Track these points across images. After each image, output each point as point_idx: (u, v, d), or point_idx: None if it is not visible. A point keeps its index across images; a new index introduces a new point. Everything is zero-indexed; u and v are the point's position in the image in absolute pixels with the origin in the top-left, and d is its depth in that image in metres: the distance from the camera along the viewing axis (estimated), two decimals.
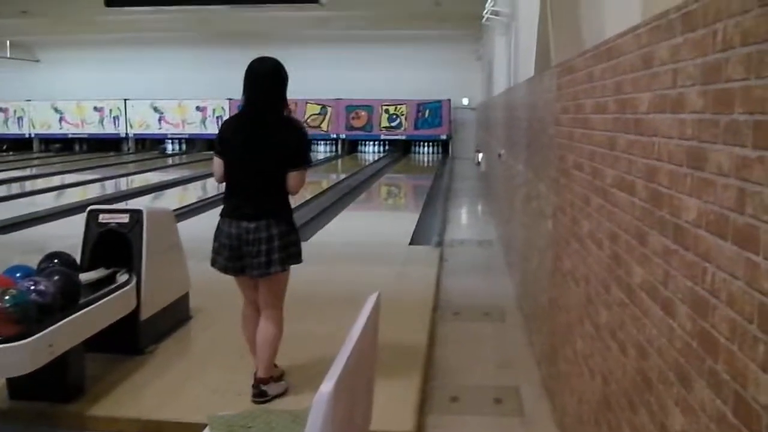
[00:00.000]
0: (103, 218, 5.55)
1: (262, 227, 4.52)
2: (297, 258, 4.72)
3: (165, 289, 5.85)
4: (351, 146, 30.55)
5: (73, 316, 4.42)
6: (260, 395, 4.64)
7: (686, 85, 2.19)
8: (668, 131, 2.36)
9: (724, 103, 1.89)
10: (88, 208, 5.66)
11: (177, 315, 6.11)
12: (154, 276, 5.52)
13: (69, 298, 4.54)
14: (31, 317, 4.10)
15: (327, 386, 1.91)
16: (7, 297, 4.04)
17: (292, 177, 4.57)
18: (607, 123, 3.28)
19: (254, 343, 4.79)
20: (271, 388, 4.69)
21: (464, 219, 14.17)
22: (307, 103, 29.37)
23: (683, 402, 2.16)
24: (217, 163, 4.72)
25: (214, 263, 4.72)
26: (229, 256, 4.60)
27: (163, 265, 5.77)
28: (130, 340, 5.37)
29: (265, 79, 4.61)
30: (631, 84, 2.85)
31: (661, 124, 2.44)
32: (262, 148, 4.56)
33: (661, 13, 2.47)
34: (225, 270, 4.68)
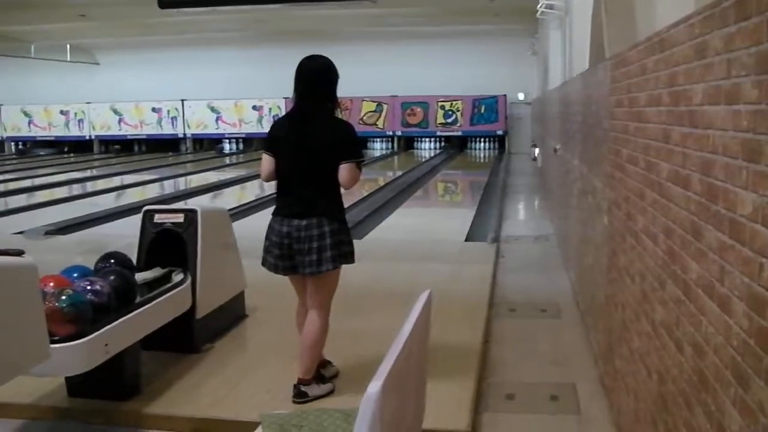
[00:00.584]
0: (158, 218, 5.60)
1: (314, 225, 4.50)
2: (349, 257, 4.68)
3: (220, 288, 5.89)
4: (407, 143, 30.58)
5: (129, 315, 4.47)
6: (299, 395, 4.62)
7: (740, 76, 2.12)
8: (723, 123, 2.29)
9: None
10: (144, 209, 5.72)
11: (232, 314, 6.15)
12: (209, 275, 5.55)
13: (125, 297, 4.59)
14: (87, 317, 4.15)
15: (375, 386, 1.89)
16: (63, 297, 4.09)
17: (344, 169, 4.51)
18: (661, 116, 3.21)
19: None
20: (312, 389, 4.66)
21: (521, 215, 14.08)
22: (362, 100, 29.42)
23: (741, 402, 2.09)
24: (267, 161, 4.71)
25: (264, 263, 4.72)
26: (280, 254, 4.60)
27: (218, 264, 5.81)
28: (186, 338, 5.41)
29: (315, 77, 4.60)
30: (685, 75, 2.78)
31: (715, 116, 2.38)
32: (312, 146, 4.54)
33: (714, 1, 2.40)
34: (275, 269, 4.67)
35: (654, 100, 3.37)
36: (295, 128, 4.63)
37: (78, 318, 4.08)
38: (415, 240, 10.64)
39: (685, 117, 2.76)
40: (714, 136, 2.39)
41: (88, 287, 4.34)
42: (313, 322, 4.68)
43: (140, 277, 5.19)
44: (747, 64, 2.07)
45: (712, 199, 2.40)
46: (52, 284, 4.26)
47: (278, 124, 4.90)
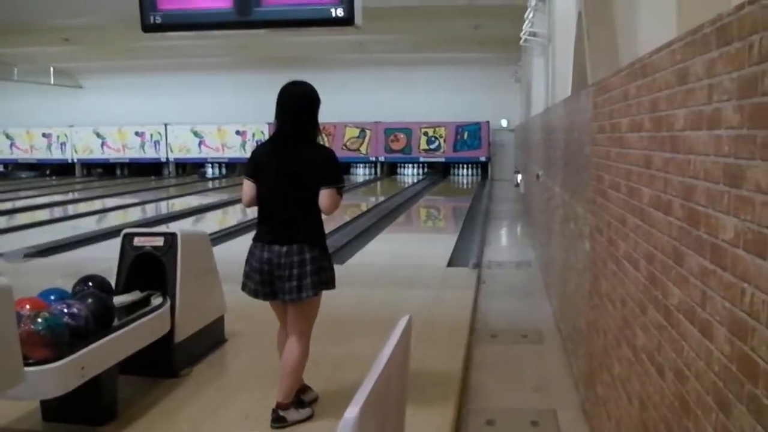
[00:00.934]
0: (138, 241, 5.55)
1: (294, 251, 4.48)
2: (330, 284, 4.66)
3: (199, 312, 5.83)
4: (390, 169, 30.59)
5: (106, 339, 4.41)
6: (278, 420, 4.59)
7: (722, 100, 2.12)
8: (704, 148, 2.29)
9: (760, 118, 1.82)
10: (123, 232, 5.67)
11: (212, 338, 6.09)
12: (188, 299, 5.51)
13: (102, 321, 4.54)
14: (64, 340, 4.09)
15: (351, 412, 1.86)
16: (39, 320, 4.03)
17: (324, 195, 4.49)
18: (642, 141, 3.21)
19: None
20: (291, 414, 4.62)
21: (503, 241, 14.07)
22: (346, 126, 29.46)
23: (722, 428, 2.07)
24: (248, 187, 4.67)
25: (244, 288, 4.69)
26: (260, 280, 4.57)
27: (198, 288, 5.76)
28: (164, 363, 5.35)
29: (296, 103, 4.59)
30: (666, 101, 2.78)
31: (696, 141, 2.37)
32: (294, 172, 4.53)
33: (696, 27, 2.40)
34: (255, 295, 4.64)
35: (636, 126, 3.37)
36: (277, 154, 4.61)
37: (54, 341, 4.02)
38: (397, 265, 10.60)
39: (667, 142, 2.76)
40: (695, 161, 2.38)
41: (65, 310, 4.29)
42: (293, 347, 4.64)
43: (118, 300, 5.14)
44: (729, 89, 2.06)
45: (693, 224, 2.39)
46: (28, 307, 4.21)
47: (259, 149, 4.86)
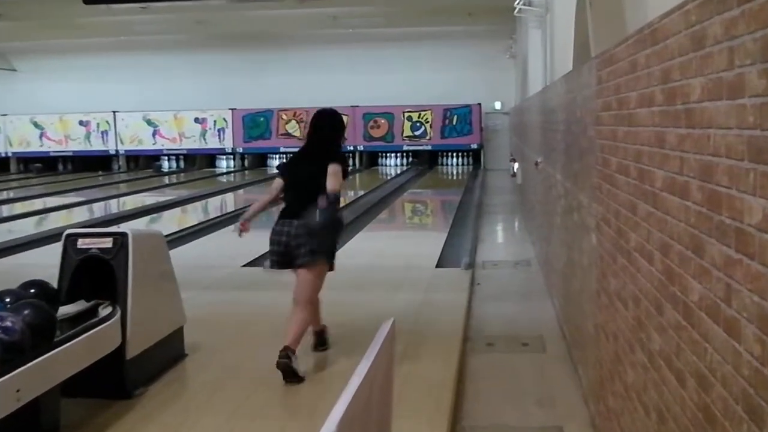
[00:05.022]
0: (82, 243, 5.49)
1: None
2: (333, 258, 6.12)
3: (155, 323, 5.78)
4: (370, 159, 30.64)
5: (46, 356, 4.35)
6: (286, 357, 5.36)
7: (745, 65, 2.09)
8: (725, 121, 2.26)
9: None
10: (65, 233, 5.61)
11: (169, 353, 6.03)
12: (141, 308, 5.46)
13: (41, 335, 4.46)
14: None
15: (328, 428, 1.84)
16: None
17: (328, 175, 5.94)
18: (654, 117, 3.19)
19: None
20: (295, 362, 5.44)
21: (498, 238, 14.11)
22: None
23: None
24: (276, 182, 6.24)
25: (271, 265, 6.01)
26: (277, 251, 5.83)
27: (153, 296, 5.72)
28: (115, 381, 5.29)
29: (325, 132, 6.37)
30: (681, 69, 2.76)
31: (716, 113, 2.35)
32: (313, 174, 5.99)
33: None
34: (275, 266, 5.90)
35: (646, 100, 3.35)
36: (303, 162, 6.28)
37: None
38: (380, 266, 10.59)
39: (682, 116, 2.74)
40: (715, 136, 2.36)
41: None
42: (299, 312, 5.75)
43: (61, 311, 5.08)
44: (752, 51, 2.04)
45: (714, 208, 2.37)
46: None
47: (292, 158, 6.62)
